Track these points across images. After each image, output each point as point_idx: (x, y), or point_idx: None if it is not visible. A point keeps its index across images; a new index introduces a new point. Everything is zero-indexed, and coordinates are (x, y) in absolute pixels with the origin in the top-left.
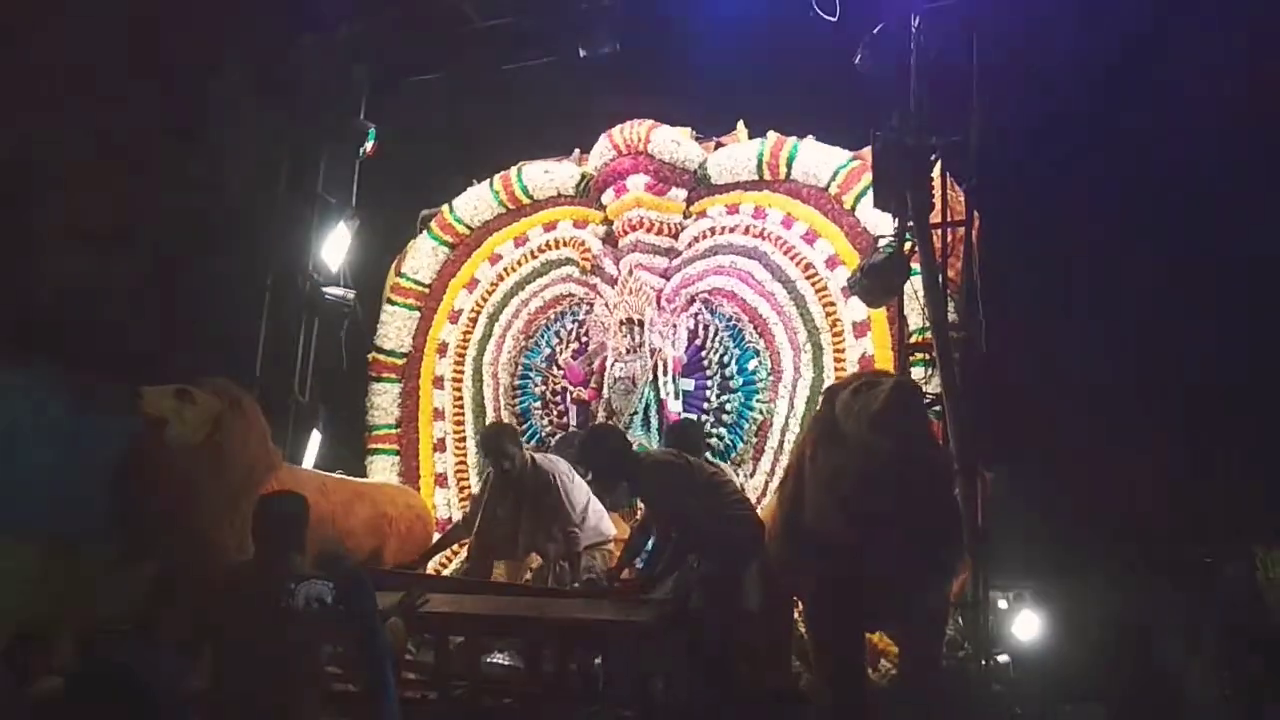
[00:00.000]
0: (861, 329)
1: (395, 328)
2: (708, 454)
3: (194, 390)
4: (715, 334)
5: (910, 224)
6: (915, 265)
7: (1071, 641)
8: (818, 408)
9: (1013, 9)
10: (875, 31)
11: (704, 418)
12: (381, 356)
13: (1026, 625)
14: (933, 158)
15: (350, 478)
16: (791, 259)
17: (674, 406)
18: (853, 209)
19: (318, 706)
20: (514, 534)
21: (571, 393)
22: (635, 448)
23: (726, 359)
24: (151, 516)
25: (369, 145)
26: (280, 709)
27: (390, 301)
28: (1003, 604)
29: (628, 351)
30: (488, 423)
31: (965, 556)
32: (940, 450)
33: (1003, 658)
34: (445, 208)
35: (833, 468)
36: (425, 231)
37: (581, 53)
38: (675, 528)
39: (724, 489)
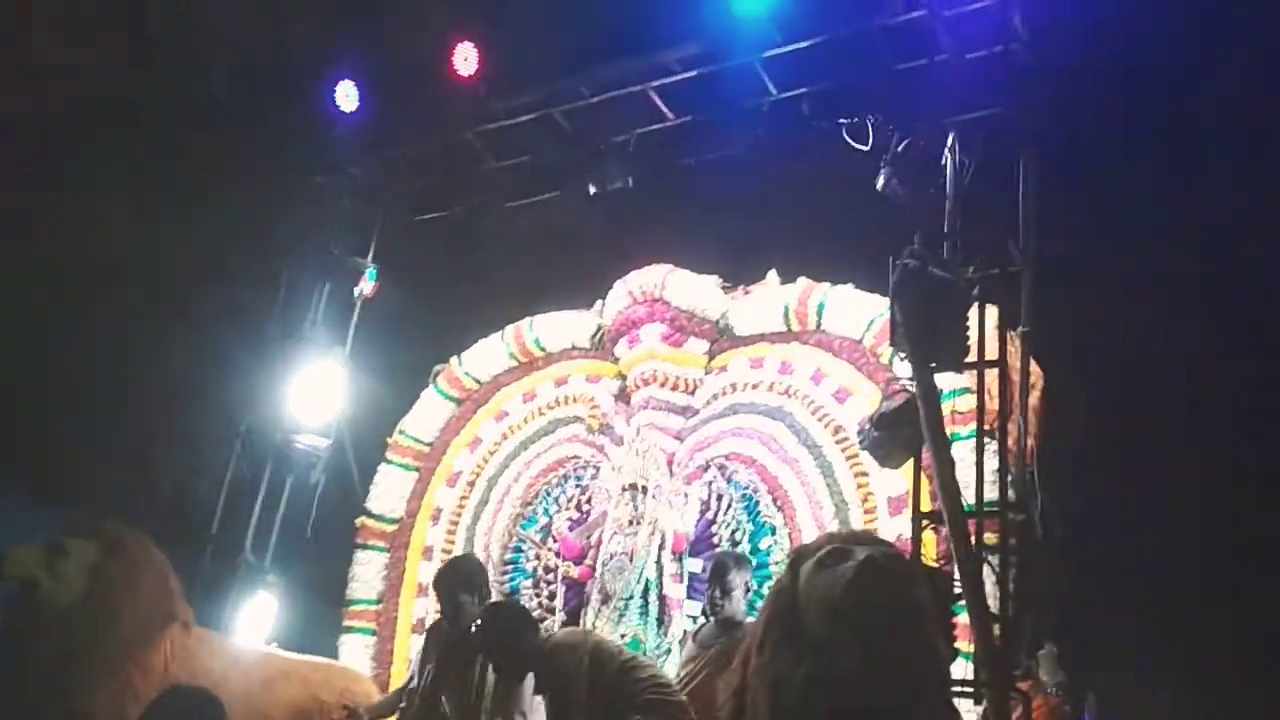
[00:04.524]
0: (898, 505)
1: (388, 489)
2: None
3: (66, 541)
4: (729, 505)
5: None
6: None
7: None
8: (779, 575)
9: (1066, 114)
10: (899, 148)
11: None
12: (370, 521)
13: None
14: (971, 293)
15: (281, 653)
16: (820, 420)
17: (675, 591)
18: (889, 363)
19: None
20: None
21: (563, 569)
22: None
23: (739, 535)
24: (30, 694)
25: (369, 285)
26: None
27: (386, 461)
28: None
29: (629, 523)
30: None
31: None
32: (937, 648)
33: None
34: (454, 360)
35: (781, 669)
36: (432, 385)
37: (591, 189)
38: None
39: (635, 675)
